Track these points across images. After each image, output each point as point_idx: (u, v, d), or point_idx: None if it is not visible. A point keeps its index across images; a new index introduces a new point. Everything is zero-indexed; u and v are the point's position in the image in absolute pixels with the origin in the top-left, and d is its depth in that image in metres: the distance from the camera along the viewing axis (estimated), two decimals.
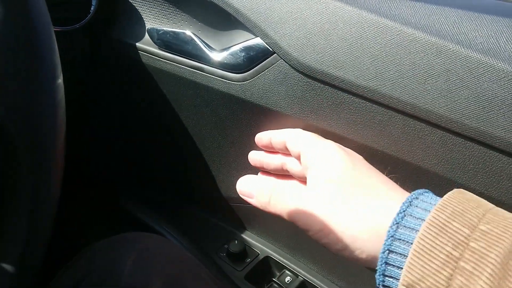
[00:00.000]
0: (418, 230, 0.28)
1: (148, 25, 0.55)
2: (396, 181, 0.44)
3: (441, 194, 0.42)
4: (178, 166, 0.66)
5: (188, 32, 0.52)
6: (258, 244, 0.63)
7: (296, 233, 0.59)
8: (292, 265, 0.60)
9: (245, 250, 0.62)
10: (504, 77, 0.35)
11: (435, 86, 0.38)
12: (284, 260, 0.61)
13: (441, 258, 0.26)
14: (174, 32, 0.53)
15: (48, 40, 0.28)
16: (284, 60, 0.45)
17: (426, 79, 0.38)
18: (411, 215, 0.30)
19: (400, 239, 0.29)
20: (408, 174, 0.42)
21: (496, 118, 0.35)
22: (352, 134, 0.44)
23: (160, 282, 0.43)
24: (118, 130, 0.69)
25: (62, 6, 0.53)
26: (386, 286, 0.30)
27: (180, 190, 0.70)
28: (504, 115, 0.35)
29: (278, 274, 0.60)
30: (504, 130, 0.35)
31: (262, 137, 0.45)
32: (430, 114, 0.38)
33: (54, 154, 0.30)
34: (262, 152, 0.46)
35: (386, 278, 0.30)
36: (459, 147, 0.38)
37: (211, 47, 0.51)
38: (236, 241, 0.62)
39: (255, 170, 0.56)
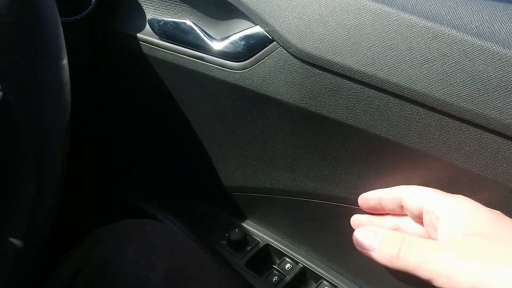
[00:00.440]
0: None
1: (149, 15, 0.56)
2: (394, 165, 0.45)
3: (438, 177, 0.43)
4: (179, 156, 0.67)
5: (189, 22, 0.53)
6: (259, 232, 0.64)
7: (296, 222, 0.60)
8: (292, 253, 0.61)
9: (246, 238, 0.62)
10: (498, 59, 0.36)
11: (431, 70, 0.38)
12: (284, 248, 0.62)
13: None
14: (174, 22, 0.54)
15: (53, 21, 0.29)
16: (283, 48, 0.46)
17: (423, 63, 0.39)
18: None
19: None
20: (405, 157, 0.43)
21: (491, 100, 0.36)
22: (350, 120, 0.45)
23: (162, 269, 0.43)
24: (119, 121, 0.69)
25: None
26: None
27: (180, 180, 0.71)
28: (498, 97, 0.36)
29: (278, 261, 0.61)
30: (499, 112, 0.36)
31: (369, 197, 0.40)
32: (427, 97, 0.39)
33: (59, 134, 0.31)
34: (367, 215, 0.41)
35: None
36: (455, 130, 0.39)
37: (211, 37, 0.52)
38: (236, 230, 0.63)
39: (255, 159, 0.57)
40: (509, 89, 0.35)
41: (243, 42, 0.49)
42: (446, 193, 0.35)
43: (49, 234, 0.39)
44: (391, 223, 0.38)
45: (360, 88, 0.43)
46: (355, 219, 0.42)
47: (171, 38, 0.54)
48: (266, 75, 0.48)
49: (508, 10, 0.38)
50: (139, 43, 0.56)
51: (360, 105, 0.43)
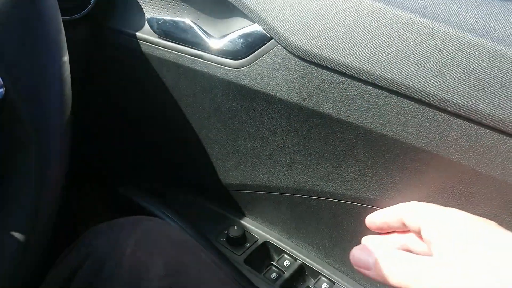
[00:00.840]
0: None
1: (148, 14, 0.56)
2: (391, 161, 0.45)
3: (434, 172, 0.43)
4: (178, 153, 0.67)
5: (188, 21, 0.53)
6: (257, 229, 0.64)
7: (294, 219, 0.60)
8: (291, 249, 0.61)
9: (245, 235, 0.63)
10: (493, 56, 0.36)
11: (427, 67, 0.39)
12: (283, 245, 0.62)
13: None
14: (173, 21, 0.54)
15: (55, 19, 0.29)
16: (281, 45, 0.46)
17: (419, 60, 0.39)
18: None
19: None
20: (402, 154, 0.44)
21: (486, 96, 0.37)
22: (348, 116, 0.45)
23: (162, 263, 0.43)
24: (118, 119, 0.70)
25: None
26: None
27: (179, 177, 0.71)
28: (494, 93, 0.36)
29: (277, 258, 0.62)
30: (494, 107, 0.37)
31: (374, 219, 0.40)
32: (423, 93, 0.39)
33: (60, 130, 0.31)
34: (374, 235, 0.41)
35: None
36: (451, 125, 0.39)
37: (210, 35, 0.52)
38: (235, 227, 0.63)
39: (254, 157, 0.57)
40: (504, 85, 0.36)
41: (241, 40, 0.49)
42: (441, 208, 0.35)
43: (51, 231, 0.39)
44: (398, 242, 0.39)
45: (357, 85, 0.43)
46: (365, 242, 0.41)
47: (170, 37, 0.54)
48: (265, 72, 0.48)
49: (503, 7, 0.38)
50: (138, 42, 0.57)
51: (357, 101, 0.44)
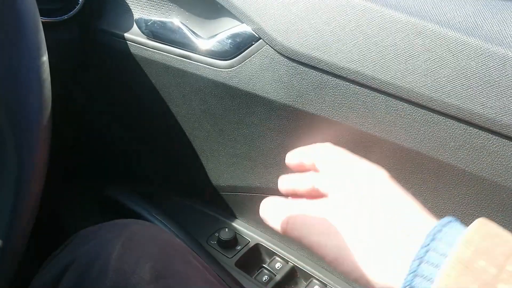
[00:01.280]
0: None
1: (136, 15, 0.56)
2: (380, 161, 0.45)
3: (423, 173, 0.43)
4: (168, 155, 0.67)
5: (176, 21, 0.53)
6: (249, 232, 0.64)
7: None
8: (282, 252, 0.61)
9: (236, 238, 0.62)
10: (481, 54, 0.36)
11: (415, 66, 0.38)
12: (274, 247, 0.62)
13: None
14: (162, 21, 0.54)
15: (32, 17, 0.28)
16: (269, 45, 0.46)
17: (407, 59, 0.39)
18: (434, 250, 0.27)
19: (423, 276, 0.26)
20: (391, 154, 0.43)
21: (474, 95, 0.36)
22: (336, 117, 0.45)
23: (149, 266, 0.43)
24: (107, 120, 0.69)
25: None
26: None
27: (169, 180, 0.70)
28: (482, 92, 0.36)
29: (268, 260, 0.61)
30: (483, 106, 0.36)
31: (292, 157, 0.41)
32: (411, 93, 0.39)
33: (39, 132, 0.31)
34: (291, 175, 0.41)
35: None
36: (440, 125, 0.39)
37: (199, 35, 0.52)
38: (226, 229, 0.62)
39: (244, 158, 0.57)
40: (492, 84, 0.36)
41: (230, 41, 0.49)
42: (347, 154, 0.37)
43: (30, 233, 0.39)
44: (309, 184, 0.38)
45: (346, 84, 0.43)
46: (282, 184, 0.42)
47: (159, 38, 0.54)
48: (253, 73, 0.48)
49: (491, 5, 0.38)
50: (127, 43, 0.56)
51: (346, 101, 0.43)
